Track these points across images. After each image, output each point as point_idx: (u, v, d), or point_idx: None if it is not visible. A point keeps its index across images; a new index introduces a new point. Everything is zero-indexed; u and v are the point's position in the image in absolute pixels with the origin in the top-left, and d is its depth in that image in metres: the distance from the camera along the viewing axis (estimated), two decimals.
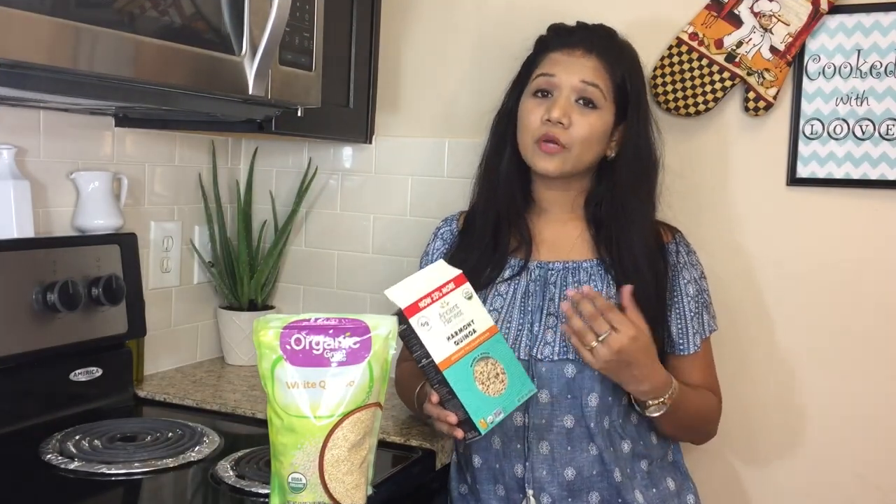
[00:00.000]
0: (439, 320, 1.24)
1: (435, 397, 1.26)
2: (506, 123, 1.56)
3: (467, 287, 1.29)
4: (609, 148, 1.51)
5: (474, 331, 1.27)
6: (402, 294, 1.24)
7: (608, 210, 1.50)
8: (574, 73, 1.46)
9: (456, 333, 1.25)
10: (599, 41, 1.49)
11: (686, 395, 1.42)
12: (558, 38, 1.52)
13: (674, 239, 1.53)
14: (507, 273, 1.52)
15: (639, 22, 1.76)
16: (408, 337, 1.23)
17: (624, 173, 1.49)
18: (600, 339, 1.30)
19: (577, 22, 1.56)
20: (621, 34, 1.55)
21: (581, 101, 1.46)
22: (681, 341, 1.48)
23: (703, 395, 1.49)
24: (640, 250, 1.46)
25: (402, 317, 1.21)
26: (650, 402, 1.38)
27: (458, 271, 1.29)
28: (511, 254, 1.53)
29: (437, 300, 1.25)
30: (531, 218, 1.56)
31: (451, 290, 1.27)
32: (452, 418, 1.25)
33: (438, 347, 1.23)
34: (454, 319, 1.25)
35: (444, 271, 1.29)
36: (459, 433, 1.26)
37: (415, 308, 1.23)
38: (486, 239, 1.53)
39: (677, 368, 1.50)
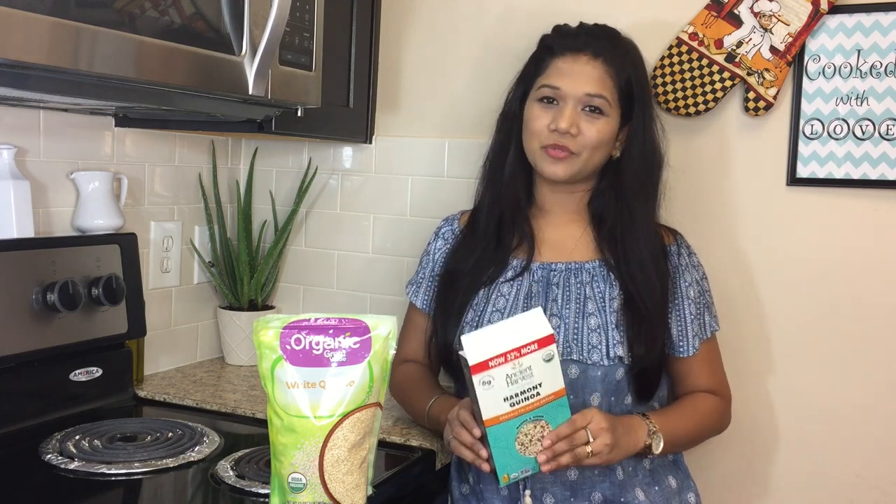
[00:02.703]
0: (504, 381, 1.20)
1: (478, 432, 1.26)
2: (510, 123, 1.56)
3: (551, 349, 1.23)
4: (614, 148, 1.51)
5: (538, 393, 1.23)
6: (476, 347, 1.19)
7: (612, 210, 1.51)
8: (579, 85, 1.45)
9: (516, 395, 1.21)
10: (605, 44, 1.49)
11: (672, 418, 1.44)
12: (563, 41, 1.51)
13: (675, 241, 1.53)
14: (509, 273, 1.52)
15: (639, 22, 1.76)
16: (467, 383, 1.21)
17: (629, 173, 1.50)
18: (588, 443, 1.28)
19: (580, 23, 1.55)
20: (623, 33, 1.55)
21: (587, 109, 1.46)
22: (681, 344, 1.48)
23: (696, 406, 1.49)
24: (645, 250, 1.47)
25: (468, 367, 1.19)
26: (648, 441, 1.38)
27: (549, 331, 1.23)
28: (512, 252, 1.53)
29: (510, 360, 1.20)
30: (533, 218, 1.56)
31: (532, 352, 1.21)
32: (484, 453, 1.26)
33: (491, 406, 1.20)
34: (520, 381, 1.21)
35: (534, 326, 1.23)
36: (487, 467, 1.26)
37: (483, 366, 1.19)
38: (489, 236, 1.53)
39: (678, 370, 1.51)
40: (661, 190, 1.54)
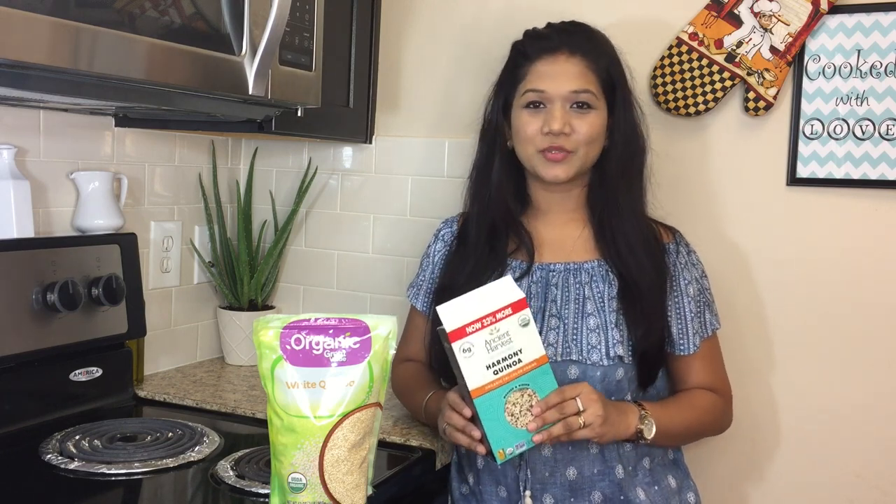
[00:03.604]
0: (484, 347, 1.21)
1: (468, 412, 1.26)
2: (493, 132, 1.56)
3: (525, 314, 1.24)
4: (605, 139, 1.52)
5: (519, 360, 1.24)
6: (451, 315, 1.21)
7: (600, 198, 1.51)
8: (563, 83, 1.46)
9: (498, 362, 1.22)
10: (579, 39, 1.49)
11: (667, 408, 1.44)
12: (537, 44, 1.51)
13: (674, 239, 1.53)
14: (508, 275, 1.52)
15: (639, 22, 1.76)
16: (449, 355, 1.22)
17: (612, 160, 1.51)
18: (580, 413, 1.29)
19: (549, 23, 1.55)
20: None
21: (576, 106, 1.46)
22: (681, 342, 1.48)
23: (692, 399, 1.49)
24: (633, 234, 1.47)
25: (446, 337, 1.20)
26: (639, 426, 1.37)
27: (520, 295, 1.25)
28: (511, 255, 1.53)
29: (487, 326, 1.21)
30: (529, 220, 1.56)
31: (507, 316, 1.23)
32: (477, 433, 1.26)
33: (475, 375, 1.21)
34: (500, 347, 1.22)
35: (505, 292, 1.24)
36: (482, 449, 1.26)
37: (461, 333, 1.20)
38: (482, 245, 1.53)
39: (679, 368, 1.51)
40: (646, 175, 1.54)
